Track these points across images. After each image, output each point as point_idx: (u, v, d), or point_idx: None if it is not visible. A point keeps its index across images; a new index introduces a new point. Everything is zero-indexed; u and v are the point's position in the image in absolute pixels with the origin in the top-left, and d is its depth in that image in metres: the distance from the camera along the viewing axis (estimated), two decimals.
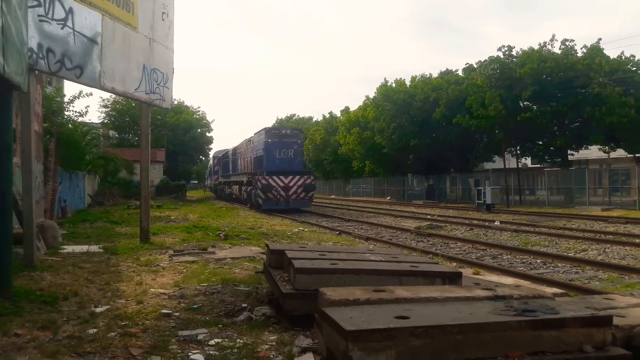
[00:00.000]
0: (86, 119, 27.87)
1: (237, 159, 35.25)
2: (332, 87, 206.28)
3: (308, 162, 26.18)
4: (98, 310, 5.57)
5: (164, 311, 5.52)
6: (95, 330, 4.81)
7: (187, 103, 60.01)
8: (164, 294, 6.39)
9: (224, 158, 41.91)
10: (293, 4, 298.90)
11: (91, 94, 25.31)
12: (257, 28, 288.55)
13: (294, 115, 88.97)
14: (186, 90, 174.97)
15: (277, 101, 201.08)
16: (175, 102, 51.93)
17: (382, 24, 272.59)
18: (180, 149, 51.79)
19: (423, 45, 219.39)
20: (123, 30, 9.86)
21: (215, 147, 60.03)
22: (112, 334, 4.70)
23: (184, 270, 8.06)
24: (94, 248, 10.37)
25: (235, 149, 36.87)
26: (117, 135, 49.45)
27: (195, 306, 5.79)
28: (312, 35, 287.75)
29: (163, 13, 11.41)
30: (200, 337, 4.66)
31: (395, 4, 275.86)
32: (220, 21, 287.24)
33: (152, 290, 6.61)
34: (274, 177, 24.93)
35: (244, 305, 5.78)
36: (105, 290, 6.56)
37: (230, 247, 10.83)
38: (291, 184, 25.24)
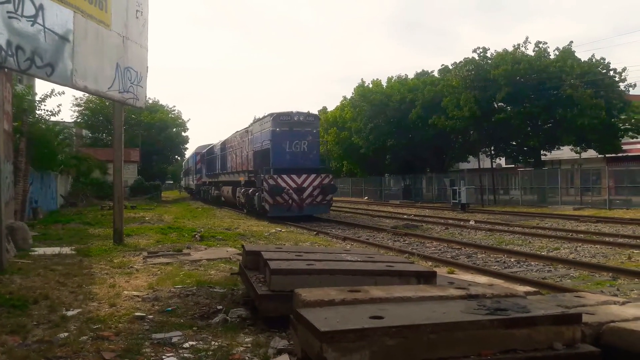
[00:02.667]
0: (58, 118, 27.34)
1: (227, 155, 29.29)
2: (309, 86, 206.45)
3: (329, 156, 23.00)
4: (69, 313, 5.46)
5: (137, 314, 5.44)
6: (66, 334, 4.72)
7: (163, 102, 59.30)
8: (138, 296, 6.30)
9: (210, 154, 35.66)
10: (270, 2, 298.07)
11: (63, 93, 24.67)
12: (233, 26, 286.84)
13: (273, 113, 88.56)
14: (161, 89, 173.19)
15: (254, 100, 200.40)
16: (150, 101, 51.23)
17: (359, 24, 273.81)
18: (155, 148, 51.08)
19: (399, 45, 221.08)
20: (96, 28, 9.68)
21: (191, 147, 59.28)
22: (84, 337, 4.61)
23: (159, 272, 7.96)
24: (66, 250, 10.17)
25: (225, 143, 30.60)
26: (90, 135, 48.58)
27: (170, 308, 5.72)
28: (289, 34, 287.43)
29: (137, 11, 11.26)
30: (174, 340, 4.61)
31: (372, 5, 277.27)
32: (195, 19, 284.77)
33: (126, 292, 6.50)
34: (284, 177, 19.77)
35: (219, 307, 5.73)
36: (77, 293, 6.43)
37: (205, 249, 10.73)
38: (305, 185, 20.02)
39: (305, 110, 21.89)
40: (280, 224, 18.13)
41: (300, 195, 19.89)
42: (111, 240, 11.59)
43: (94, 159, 32.13)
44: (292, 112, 20.81)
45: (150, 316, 5.41)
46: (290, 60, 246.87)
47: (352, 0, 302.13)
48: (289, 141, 20.49)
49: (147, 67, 11.96)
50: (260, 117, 22.47)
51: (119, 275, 7.74)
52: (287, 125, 20.63)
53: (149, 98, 51.33)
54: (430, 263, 9.91)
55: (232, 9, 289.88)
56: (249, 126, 24.76)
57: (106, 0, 10.06)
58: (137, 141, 45.50)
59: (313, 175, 20.25)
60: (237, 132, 27.91)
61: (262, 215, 20.81)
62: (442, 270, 7.93)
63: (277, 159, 20.35)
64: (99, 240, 12.19)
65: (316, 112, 27.33)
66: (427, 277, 5.11)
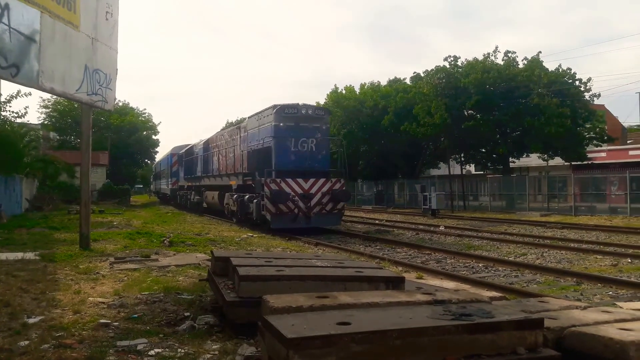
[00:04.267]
0: (25, 119, 26.68)
1: (211, 156, 25.66)
2: (283, 92, 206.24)
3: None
4: (31, 321, 5.32)
5: (102, 321, 5.34)
6: (27, 342, 4.60)
7: (133, 105, 58.51)
8: (103, 303, 6.18)
9: (189, 155, 31.72)
10: (241, 6, 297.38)
11: (30, 94, 23.96)
12: (207, 30, 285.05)
13: (245, 118, 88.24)
14: (132, 91, 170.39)
15: (227, 105, 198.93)
16: (120, 104, 50.51)
17: (331, 31, 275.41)
18: (124, 152, 50.27)
19: (372, 52, 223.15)
20: (64, 29, 9.49)
21: (162, 150, 58.33)
22: (46, 345, 4.50)
23: (125, 278, 7.82)
24: (30, 255, 9.90)
25: (208, 142, 26.96)
26: (58, 137, 47.51)
27: (136, 315, 5.62)
28: (261, 38, 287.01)
29: (107, 12, 11.08)
30: (139, 347, 4.53)
31: (344, 12, 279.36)
32: (167, 22, 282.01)
33: (91, 299, 6.37)
34: (289, 181, 16.73)
35: (187, 314, 5.67)
36: (40, 300, 6.27)
37: (174, 254, 10.59)
38: (313, 191, 16.97)
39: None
40: (253, 230, 18.00)
41: (307, 203, 16.72)
42: (77, 245, 11.33)
43: (62, 162, 31.44)
44: (298, 104, 17.79)
45: (116, 323, 5.31)
46: (263, 65, 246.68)
47: (324, 7, 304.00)
48: (295, 139, 17.26)
49: (117, 69, 11.77)
50: (258, 110, 18.83)
51: (84, 281, 7.58)
52: (292, 120, 17.38)
53: (119, 101, 50.58)
54: (400, 268, 9.99)
55: (205, 13, 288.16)
56: (242, 122, 20.86)
57: (75, 1, 9.87)
58: (106, 144, 44.73)
59: (322, 180, 17.17)
60: (224, 129, 24.89)
61: (260, 227, 17.99)
62: (411, 276, 8.00)
63: (281, 160, 17.19)
64: (64, 245, 11.90)
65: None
66: (396, 283, 5.16)
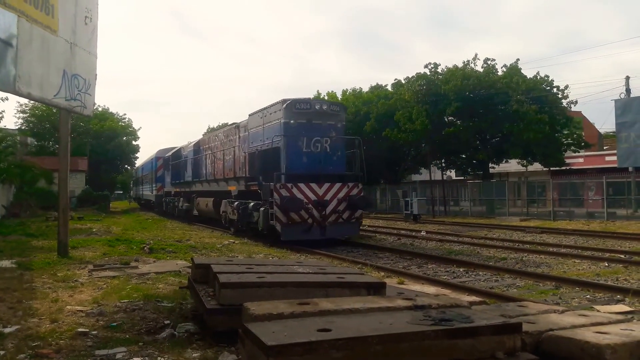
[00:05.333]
0: (1, 124, 26.20)
1: (203, 159, 23.44)
2: (264, 96, 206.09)
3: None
4: (7, 330, 5.22)
5: (80, 330, 5.27)
6: (2, 352, 4.51)
7: (113, 110, 57.73)
8: (82, 311, 6.09)
9: (176, 159, 29.39)
10: (222, 11, 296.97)
11: (7, 99, 23.44)
12: (185, 34, 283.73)
13: (227, 124, 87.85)
14: (112, 96, 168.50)
15: (208, 110, 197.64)
16: (100, 109, 49.85)
17: (313, 36, 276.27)
18: (104, 157, 49.60)
19: (354, 58, 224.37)
20: (42, 34, 9.36)
21: (142, 156, 57.62)
22: (22, 355, 4.42)
23: (104, 285, 7.72)
24: (6, 263, 9.72)
25: (199, 144, 24.81)
26: (36, 143, 46.69)
27: (115, 324, 5.55)
28: (242, 43, 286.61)
29: (86, 17, 10.97)
30: (118, 356, 4.47)
31: (325, 17, 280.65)
32: (148, 27, 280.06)
33: (69, 307, 6.28)
34: (301, 186, 14.79)
35: (167, 321, 5.61)
36: (16, 309, 6.15)
37: (154, 261, 10.48)
38: (328, 197, 15.08)
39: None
40: (234, 236, 17.90)
41: (322, 211, 14.85)
42: (55, 252, 11.15)
43: (40, 168, 30.91)
44: (310, 99, 16.29)
45: (94, 332, 5.24)
46: (246, 70, 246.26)
47: (305, 12, 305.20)
48: (307, 138, 15.27)
49: (96, 74, 11.67)
50: (264, 106, 16.85)
51: (62, 289, 7.46)
52: (304, 117, 15.41)
53: (99, 106, 49.93)
54: (382, 273, 10.02)
55: (187, 18, 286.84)
56: (244, 120, 18.75)
57: (53, 5, 9.75)
58: (85, 150, 44.11)
59: (338, 185, 15.27)
60: (217, 130, 22.23)
61: (264, 238, 15.94)
62: (392, 281, 8.03)
63: (292, 162, 15.19)
64: (42, 252, 11.70)
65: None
66: (377, 288, 5.17)
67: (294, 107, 15.31)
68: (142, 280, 8.27)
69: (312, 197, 14.82)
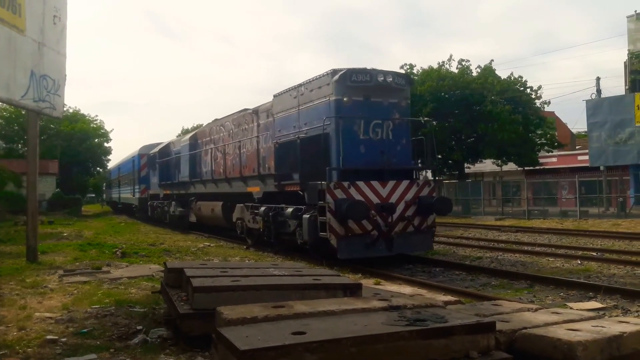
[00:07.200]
0: None
1: (205, 154, 19.18)
2: (241, 96, 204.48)
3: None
4: None
5: (49, 337, 5.13)
6: None
7: (84, 111, 56.51)
8: (51, 318, 5.93)
9: (164, 155, 24.98)
10: (198, 11, 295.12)
11: None
12: (159, 34, 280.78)
13: (202, 125, 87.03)
14: (83, 98, 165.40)
15: (184, 111, 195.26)
16: (71, 111, 48.82)
17: (290, 37, 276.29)
18: (75, 160, 48.56)
19: (331, 59, 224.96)
20: (8, 33, 9.10)
21: (115, 158, 56.40)
22: None
23: (75, 291, 7.54)
24: None
25: (197, 137, 20.79)
26: (4, 145, 45.55)
27: (85, 330, 5.41)
28: (218, 44, 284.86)
29: (55, 16, 10.72)
30: None
31: (302, 18, 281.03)
32: (120, 27, 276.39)
33: (38, 314, 6.10)
34: (360, 185, 11.15)
35: (139, 327, 5.49)
36: None
37: (127, 266, 10.29)
38: (394, 200, 11.44)
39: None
40: (210, 239, 17.68)
41: (387, 217, 11.23)
42: (24, 258, 10.85)
43: (8, 171, 30.19)
44: (369, 69, 11.95)
45: (64, 339, 5.10)
46: (220, 71, 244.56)
47: (282, 14, 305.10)
48: (365, 121, 11.66)
49: (66, 75, 11.41)
50: (298, 82, 13.01)
51: (30, 295, 7.26)
52: (361, 93, 11.68)
53: (70, 107, 48.85)
54: (359, 275, 10.00)
55: (162, 18, 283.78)
56: (260, 105, 15.09)
57: (20, 4, 9.51)
58: (56, 152, 43.17)
59: (405, 182, 11.68)
60: (222, 118, 18.33)
61: (306, 254, 12.46)
62: (369, 282, 8.02)
63: (348, 153, 11.33)
64: (10, 258, 11.40)
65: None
66: (353, 290, 5.15)
67: (349, 80, 11.49)
68: (114, 285, 8.11)
69: (375, 199, 11.22)
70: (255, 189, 14.66)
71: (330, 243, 10.91)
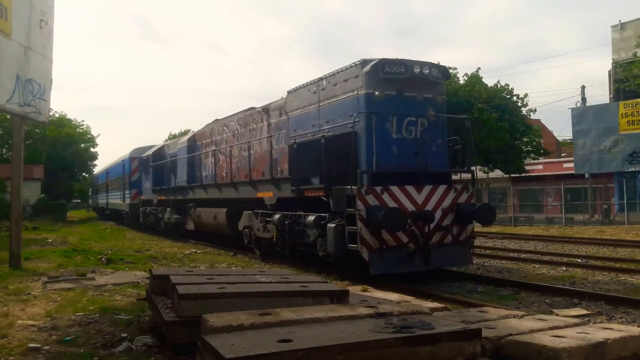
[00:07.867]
0: None
1: (205, 157, 17.85)
2: (227, 102, 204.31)
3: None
4: None
5: (31, 345, 5.04)
6: None
7: (70, 116, 55.91)
8: (34, 325, 5.84)
9: (159, 159, 23.29)
10: (186, 17, 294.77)
11: None
12: (147, 40, 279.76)
13: (189, 130, 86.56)
14: (69, 102, 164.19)
15: (170, 116, 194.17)
16: (57, 115, 48.35)
17: (278, 43, 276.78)
18: (61, 165, 48.04)
19: (316, 66, 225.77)
20: None
21: (101, 164, 55.82)
22: None
23: (59, 298, 7.44)
24: None
25: (197, 139, 19.25)
26: None
27: (69, 338, 5.34)
28: (205, 49, 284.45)
29: (41, 20, 10.64)
30: None
31: (290, 24, 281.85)
32: (109, 32, 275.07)
33: (20, 322, 6.01)
34: (393, 191, 9.77)
35: (124, 335, 5.43)
36: None
37: (112, 272, 10.18)
38: (430, 207, 10.04)
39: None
40: (197, 245, 17.54)
41: (423, 227, 9.83)
42: (7, 264, 10.69)
43: None
44: (403, 59, 10.50)
45: (47, 347, 5.03)
46: (208, 77, 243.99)
47: (270, 20, 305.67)
48: (398, 119, 10.27)
49: (52, 79, 11.32)
50: (322, 75, 11.59)
51: (13, 302, 7.15)
52: (394, 86, 10.32)
53: (55, 112, 48.32)
54: (346, 281, 9.97)
55: (150, 23, 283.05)
56: (271, 102, 13.79)
57: (7, 7, 9.44)
58: (41, 157, 42.71)
59: (442, 187, 10.32)
60: (225, 117, 16.85)
61: (328, 268, 11.08)
62: (356, 288, 7.99)
63: (380, 154, 9.84)
64: None
65: None
66: (340, 297, 5.14)
67: (382, 71, 10.12)
68: (99, 292, 8.02)
69: (410, 206, 9.84)
70: (268, 195, 13.22)
71: (359, 256, 9.48)
